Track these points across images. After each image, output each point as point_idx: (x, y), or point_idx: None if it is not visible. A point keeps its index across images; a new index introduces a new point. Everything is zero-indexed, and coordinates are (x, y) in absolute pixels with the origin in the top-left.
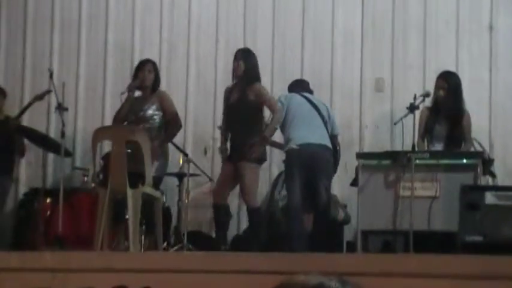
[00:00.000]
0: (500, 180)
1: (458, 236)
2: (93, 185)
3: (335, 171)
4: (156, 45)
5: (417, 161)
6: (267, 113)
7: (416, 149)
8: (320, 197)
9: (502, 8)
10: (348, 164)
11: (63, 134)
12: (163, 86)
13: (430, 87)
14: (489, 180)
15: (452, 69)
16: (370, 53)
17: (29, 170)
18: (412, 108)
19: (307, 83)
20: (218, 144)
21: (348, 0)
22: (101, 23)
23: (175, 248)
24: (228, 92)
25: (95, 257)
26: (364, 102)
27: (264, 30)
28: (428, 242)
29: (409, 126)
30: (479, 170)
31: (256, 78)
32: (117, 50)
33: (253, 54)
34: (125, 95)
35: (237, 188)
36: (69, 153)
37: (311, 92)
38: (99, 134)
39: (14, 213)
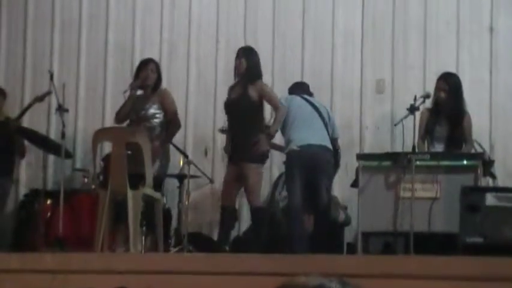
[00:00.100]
0: (501, 182)
1: (459, 237)
2: (93, 186)
3: (335, 173)
4: (157, 45)
5: (418, 162)
6: (267, 113)
7: (416, 150)
8: (321, 198)
9: (503, 9)
10: (348, 165)
11: (63, 135)
12: (163, 86)
13: (431, 88)
14: (489, 182)
15: (452, 70)
16: (370, 54)
17: (29, 171)
18: (412, 109)
19: (308, 86)
20: (219, 145)
21: (348, 0)
22: (101, 23)
23: (176, 249)
24: (230, 90)
25: (95, 259)
26: (364, 103)
27: (264, 30)
28: (429, 243)
29: (410, 128)
30: (480, 171)
31: (258, 76)
32: (117, 50)
33: (256, 52)
34: (127, 94)
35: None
36: (69, 155)
37: (311, 94)
38: (100, 135)
39: (14, 215)
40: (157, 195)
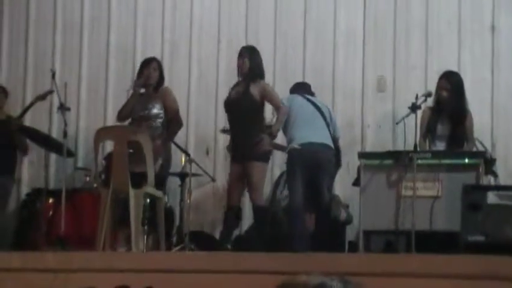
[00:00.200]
0: (502, 180)
1: (460, 235)
2: (95, 185)
3: (336, 172)
4: (158, 46)
5: (419, 161)
6: (268, 114)
7: (418, 148)
8: (322, 197)
9: (504, 8)
10: (350, 163)
11: (65, 134)
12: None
13: (432, 87)
14: (491, 180)
15: (454, 68)
16: (372, 53)
17: (31, 170)
18: (414, 108)
19: (309, 86)
20: (220, 145)
21: (350, 0)
22: (103, 24)
23: (178, 248)
24: (231, 89)
25: (97, 257)
26: (366, 102)
27: (265, 30)
28: (431, 242)
29: (411, 126)
30: (481, 169)
31: (261, 75)
32: (119, 51)
33: (258, 51)
34: (131, 92)
35: None
36: (71, 154)
37: (313, 94)
38: (101, 134)
39: (16, 214)
40: (159, 193)
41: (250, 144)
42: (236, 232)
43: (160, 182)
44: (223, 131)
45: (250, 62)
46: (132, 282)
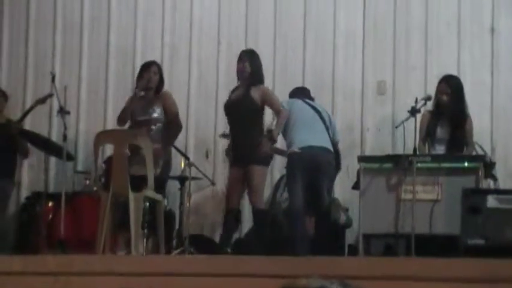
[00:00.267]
0: (502, 183)
1: (460, 239)
2: (95, 188)
3: (336, 176)
4: (158, 48)
5: (419, 165)
6: (267, 118)
7: (417, 152)
8: (322, 200)
9: (504, 10)
10: (349, 167)
11: (65, 138)
12: (165, 89)
13: (432, 90)
14: (491, 184)
15: (453, 71)
16: (371, 55)
17: (31, 174)
18: (413, 111)
19: (309, 91)
20: (220, 148)
21: (349, 2)
22: (103, 26)
23: (177, 251)
24: (231, 92)
25: (97, 261)
26: (365, 105)
27: (265, 32)
28: (430, 245)
29: (411, 130)
30: (481, 173)
31: (261, 80)
32: (119, 52)
33: (258, 55)
34: (140, 94)
35: None
36: (71, 157)
37: (312, 99)
38: (101, 137)
39: (16, 217)
40: (158, 197)
41: (250, 147)
42: (236, 235)
43: (161, 186)
44: (223, 135)
45: (251, 67)
46: (132, 285)
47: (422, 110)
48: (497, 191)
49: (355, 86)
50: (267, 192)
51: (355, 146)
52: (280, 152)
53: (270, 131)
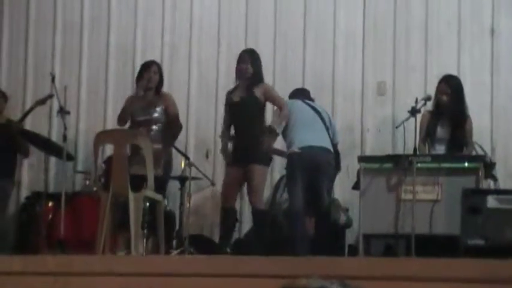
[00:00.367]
0: (502, 183)
1: (460, 239)
2: (95, 188)
3: (336, 176)
4: (158, 48)
5: (419, 165)
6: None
7: (417, 152)
8: (322, 200)
9: (504, 11)
10: (349, 167)
11: (65, 138)
12: (165, 89)
13: (432, 90)
14: (491, 184)
15: (453, 72)
16: (371, 55)
17: (31, 174)
18: (413, 111)
19: (308, 92)
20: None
21: (349, 1)
22: (103, 26)
23: (177, 251)
24: (229, 94)
25: (97, 261)
26: (365, 105)
27: (265, 31)
28: (430, 245)
29: (411, 130)
30: (481, 173)
31: (261, 79)
32: (119, 52)
33: (258, 54)
34: (140, 93)
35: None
36: (71, 157)
37: (312, 100)
38: (101, 137)
39: (16, 217)
40: (158, 197)
41: (252, 146)
42: (236, 235)
43: (162, 186)
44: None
45: (252, 67)
46: (132, 285)
47: (422, 110)
48: (497, 191)
49: (355, 87)
50: (266, 193)
51: (355, 146)
52: (280, 153)
53: (270, 127)
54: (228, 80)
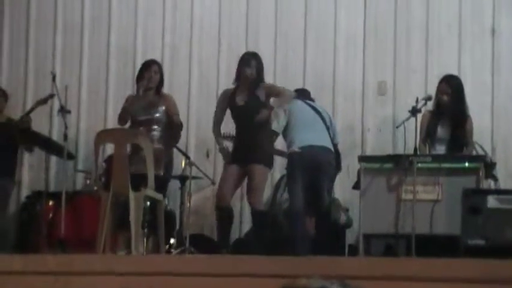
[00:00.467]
0: (502, 183)
1: (461, 239)
2: (95, 187)
3: (336, 176)
4: (159, 48)
5: (419, 165)
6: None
7: (418, 152)
8: (322, 200)
9: (504, 11)
10: (350, 167)
11: (65, 137)
12: (165, 89)
13: (432, 90)
14: (491, 184)
15: (454, 72)
16: (372, 56)
17: (32, 173)
18: (414, 111)
19: (309, 93)
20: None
21: (350, 2)
22: (103, 26)
23: (178, 251)
24: (232, 95)
25: (98, 260)
26: (366, 105)
27: (266, 32)
28: (431, 245)
29: (411, 130)
30: (482, 173)
31: (262, 79)
32: (119, 52)
33: (261, 57)
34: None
35: (238, 190)
36: (71, 156)
37: (312, 100)
38: (102, 136)
39: (17, 216)
40: (159, 196)
41: (254, 147)
42: (236, 235)
43: (163, 186)
44: (225, 136)
45: (257, 72)
46: (132, 285)
47: (422, 110)
48: (497, 191)
49: (355, 86)
50: (267, 193)
51: (355, 146)
52: (280, 153)
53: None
54: (228, 80)
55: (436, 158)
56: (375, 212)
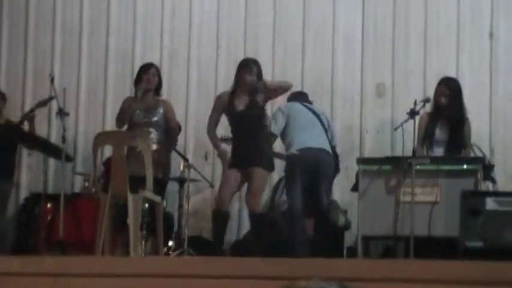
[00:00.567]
0: (501, 185)
1: (459, 241)
2: (94, 190)
3: (334, 178)
4: (157, 50)
5: (418, 167)
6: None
7: (416, 154)
8: (320, 202)
9: (503, 14)
10: (348, 169)
11: (64, 139)
12: (164, 92)
13: (431, 92)
14: (489, 186)
15: (452, 74)
16: (371, 58)
17: (30, 175)
18: (412, 113)
19: (307, 95)
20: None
21: (348, 4)
22: (102, 28)
23: (176, 253)
24: (230, 99)
25: (96, 262)
26: (364, 107)
27: (265, 34)
28: (429, 247)
29: (410, 132)
30: (480, 175)
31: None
32: (118, 55)
33: (260, 64)
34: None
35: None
36: (70, 158)
37: (310, 103)
38: (100, 138)
39: (15, 218)
40: (157, 198)
41: (254, 150)
42: (235, 237)
43: (161, 188)
44: (223, 139)
45: (257, 78)
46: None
47: (421, 112)
48: (496, 193)
49: (354, 89)
50: (265, 195)
51: (354, 148)
52: (279, 156)
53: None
54: (227, 83)
55: (435, 160)
56: (374, 214)
